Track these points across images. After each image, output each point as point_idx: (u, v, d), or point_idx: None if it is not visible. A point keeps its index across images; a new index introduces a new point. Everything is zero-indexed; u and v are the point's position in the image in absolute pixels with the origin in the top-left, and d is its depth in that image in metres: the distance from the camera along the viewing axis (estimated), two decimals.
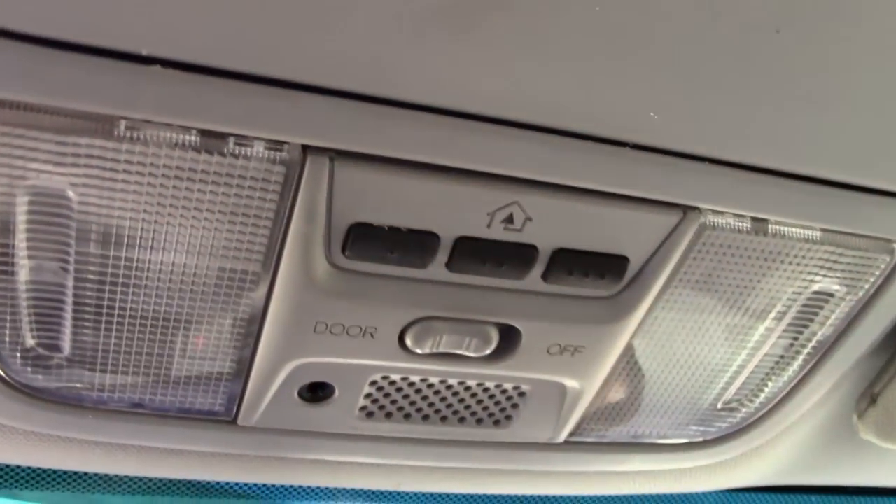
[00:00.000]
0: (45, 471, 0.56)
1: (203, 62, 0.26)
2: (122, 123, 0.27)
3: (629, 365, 0.41)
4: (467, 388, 0.39)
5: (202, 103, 0.27)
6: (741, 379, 0.44)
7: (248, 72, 0.26)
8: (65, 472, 0.56)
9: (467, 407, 0.41)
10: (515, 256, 0.33)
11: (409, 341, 0.35)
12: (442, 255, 0.33)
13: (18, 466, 0.55)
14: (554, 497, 0.63)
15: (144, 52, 0.25)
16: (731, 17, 0.27)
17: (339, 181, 0.29)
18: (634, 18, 0.27)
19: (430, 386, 0.39)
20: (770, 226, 0.35)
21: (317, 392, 0.38)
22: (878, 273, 0.39)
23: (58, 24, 0.24)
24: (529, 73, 0.27)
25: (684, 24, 0.27)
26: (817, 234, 0.36)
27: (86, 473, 0.55)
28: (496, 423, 0.42)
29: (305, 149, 0.29)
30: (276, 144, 0.28)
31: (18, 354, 0.34)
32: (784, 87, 0.30)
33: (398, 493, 0.55)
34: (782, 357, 0.43)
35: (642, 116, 0.29)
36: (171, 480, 0.57)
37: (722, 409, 0.46)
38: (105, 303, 0.33)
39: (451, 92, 0.28)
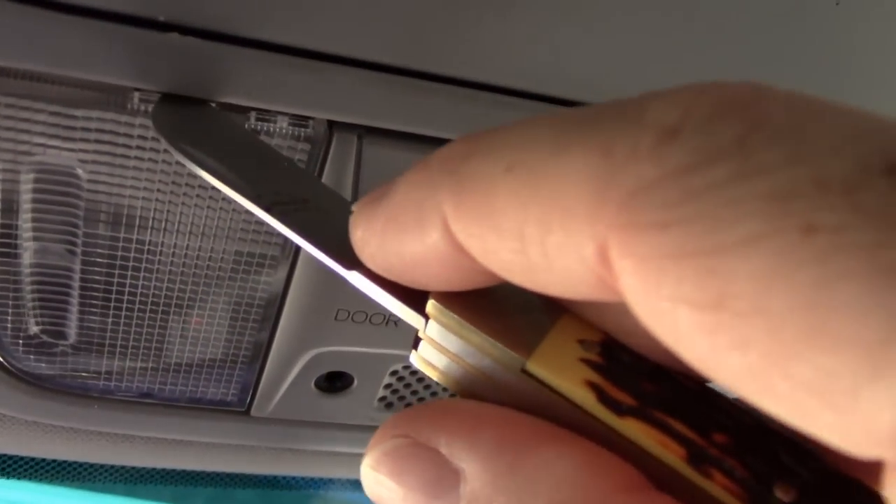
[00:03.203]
0: (45, 459, 0.54)
1: (224, 30, 0.24)
2: (136, 96, 0.25)
3: None
4: None
5: (221, 74, 0.25)
6: None
7: (271, 41, 0.24)
8: (65, 462, 0.54)
9: None
10: None
11: None
12: None
13: (19, 455, 0.54)
14: None
15: (162, 18, 0.23)
16: None
17: (366, 159, 0.27)
18: None
19: None
20: None
21: (334, 382, 0.37)
22: None
23: None
24: (573, 48, 0.26)
25: None
26: None
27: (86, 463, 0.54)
28: None
29: (332, 125, 0.27)
30: (300, 120, 0.26)
31: (21, 342, 0.32)
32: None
33: None
34: None
35: None
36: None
37: None
38: (114, 287, 0.31)
39: (490, 66, 0.26)
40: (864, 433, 0.09)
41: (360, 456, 0.44)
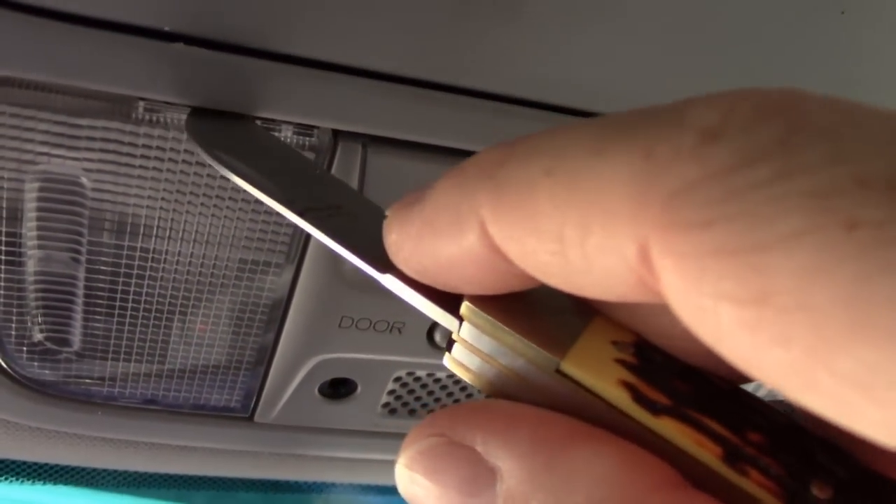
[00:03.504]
0: (49, 463, 0.54)
1: (228, 40, 0.24)
2: (141, 105, 0.25)
3: None
4: None
5: (226, 84, 0.25)
6: None
7: (276, 51, 0.24)
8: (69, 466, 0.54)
9: None
10: None
11: (437, 337, 0.33)
12: None
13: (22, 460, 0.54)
14: None
15: (167, 28, 0.23)
16: None
17: (371, 169, 0.27)
18: None
19: (457, 382, 0.37)
20: None
21: (338, 388, 0.36)
22: None
23: None
24: (578, 57, 0.26)
25: None
26: None
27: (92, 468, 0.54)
28: None
29: (336, 134, 0.27)
30: (305, 129, 0.26)
31: (25, 348, 0.32)
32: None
33: None
34: None
35: None
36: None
37: None
38: (118, 295, 0.31)
39: (495, 76, 0.26)
40: None
41: (363, 461, 0.44)
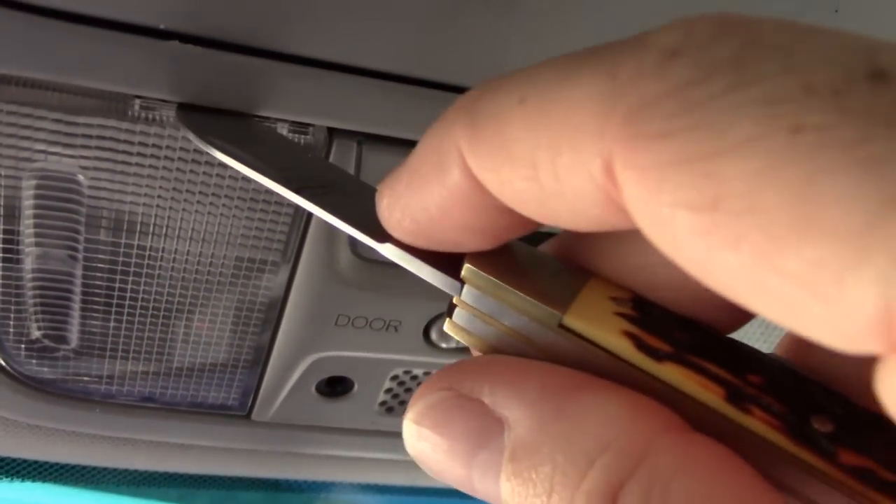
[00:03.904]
0: (48, 462, 0.54)
1: (223, 38, 0.24)
2: (137, 103, 0.25)
3: None
4: None
5: (221, 82, 0.25)
6: None
7: (271, 49, 0.24)
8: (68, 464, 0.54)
9: None
10: None
11: (434, 335, 0.33)
12: None
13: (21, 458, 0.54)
14: None
15: (162, 26, 0.23)
16: None
17: (366, 166, 0.28)
18: None
19: None
20: None
21: (335, 386, 0.37)
22: None
23: None
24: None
25: None
26: None
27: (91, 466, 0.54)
28: None
29: (332, 132, 0.27)
30: (300, 127, 0.26)
31: (23, 346, 0.32)
32: None
33: (415, 488, 0.54)
34: None
35: None
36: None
37: None
38: (115, 293, 0.31)
39: (489, 73, 0.26)
40: (850, 322, 0.09)
41: (361, 460, 0.43)
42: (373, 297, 0.31)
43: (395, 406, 0.38)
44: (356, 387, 0.36)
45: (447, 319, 0.16)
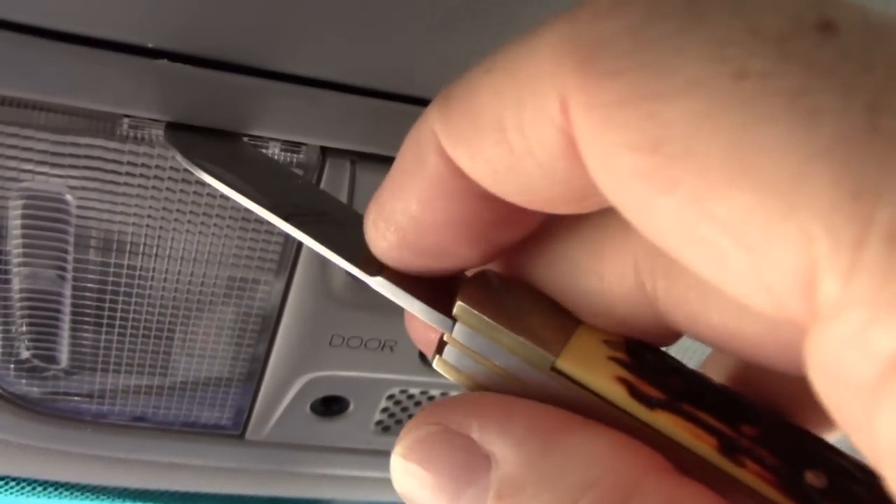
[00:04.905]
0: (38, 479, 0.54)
1: (213, 56, 0.23)
2: (125, 122, 0.25)
3: None
4: None
5: (212, 101, 0.24)
6: None
7: (262, 67, 0.24)
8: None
9: None
10: None
11: None
12: None
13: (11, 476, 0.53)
14: None
15: (150, 45, 0.22)
16: None
17: (360, 185, 0.27)
18: None
19: None
20: None
21: (330, 406, 0.36)
22: None
23: (54, 13, 0.21)
24: None
25: None
26: None
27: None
28: None
29: (324, 151, 0.26)
30: (292, 146, 0.26)
31: (13, 366, 0.32)
32: None
33: None
34: None
35: None
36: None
37: None
38: (105, 312, 0.30)
39: None
40: (772, 274, 0.09)
41: (357, 479, 0.43)
42: (368, 316, 0.31)
43: (392, 425, 0.38)
44: (352, 406, 0.36)
45: (436, 357, 0.16)
